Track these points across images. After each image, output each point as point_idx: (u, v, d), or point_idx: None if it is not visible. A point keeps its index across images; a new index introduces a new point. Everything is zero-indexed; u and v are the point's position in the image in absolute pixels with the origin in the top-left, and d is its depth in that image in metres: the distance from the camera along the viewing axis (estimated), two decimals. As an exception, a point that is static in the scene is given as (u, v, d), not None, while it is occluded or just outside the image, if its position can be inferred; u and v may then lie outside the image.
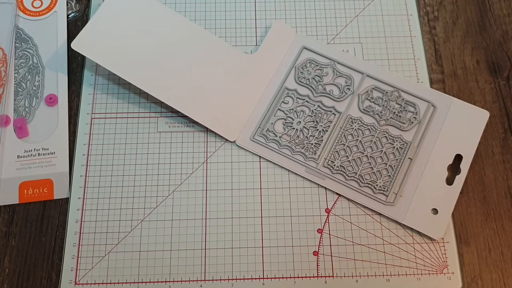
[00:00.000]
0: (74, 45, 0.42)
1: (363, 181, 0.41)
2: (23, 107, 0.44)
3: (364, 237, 0.40)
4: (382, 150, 0.42)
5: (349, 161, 0.42)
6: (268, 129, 0.43)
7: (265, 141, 0.43)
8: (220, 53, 0.45)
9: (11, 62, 0.45)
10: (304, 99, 0.44)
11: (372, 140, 0.42)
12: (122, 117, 0.44)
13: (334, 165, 0.42)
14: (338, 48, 0.46)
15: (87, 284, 0.39)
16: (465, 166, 0.41)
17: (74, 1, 0.48)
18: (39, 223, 0.40)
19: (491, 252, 0.40)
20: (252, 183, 0.42)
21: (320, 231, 0.40)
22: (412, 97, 0.44)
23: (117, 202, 0.41)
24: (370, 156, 0.42)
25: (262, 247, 0.40)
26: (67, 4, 0.48)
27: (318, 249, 0.40)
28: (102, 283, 0.39)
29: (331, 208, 0.41)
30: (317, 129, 0.43)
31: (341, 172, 0.41)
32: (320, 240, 0.40)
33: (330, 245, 0.40)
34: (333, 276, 0.39)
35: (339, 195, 0.41)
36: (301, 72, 0.45)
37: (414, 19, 0.48)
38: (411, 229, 0.40)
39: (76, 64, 0.46)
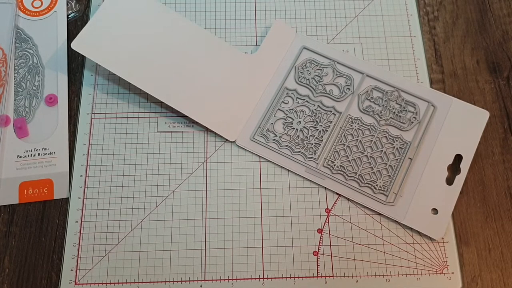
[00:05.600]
0: (74, 45, 0.42)
1: (363, 181, 0.41)
2: (23, 107, 0.44)
3: (364, 237, 0.40)
4: (382, 150, 0.42)
5: (349, 161, 0.42)
6: (268, 129, 0.43)
7: (265, 141, 0.43)
8: (220, 53, 0.45)
9: (11, 62, 0.45)
10: (304, 99, 0.44)
11: (372, 140, 0.42)
12: (122, 117, 0.44)
13: (334, 165, 0.42)
14: (338, 48, 0.46)
15: (87, 284, 0.39)
16: (465, 166, 0.41)
17: (74, 1, 0.48)
18: (39, 223, 0.40)
19: (491, 252, 0.40)
20: (252, 183, 0.42)
21: (320, 231, 0.40)
22: (412, 97, 0.44)
23: (117, 202, 0.41)
24: (370, 156, 0.42)
25: (262, 247, 0.40)
26: (67, 4, 0.48)
27: (318, 249, 0.40)
28: (102, 283, 0.39)
29: (331, 208, 0.41)
30: (317, 129, 0.43)
31: (341, 172, 0.41)
32: (320, 240, 0.40)
33: (330, 245, 0.40)
34: (333, 276, 0.39)
35: (339, 195, 0.41)
36: (301, 72, 0.45)
37: (414, 19, 0.48)
38: (411, 229, 0.40)
39: (76, 64, 0.46)
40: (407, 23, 0.48)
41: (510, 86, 0.46)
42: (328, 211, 0.41)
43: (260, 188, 0.42)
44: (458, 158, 0.42)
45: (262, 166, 0.42)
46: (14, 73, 0.45)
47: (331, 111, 0.43)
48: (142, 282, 0.39)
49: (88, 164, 0.42)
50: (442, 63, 0.47)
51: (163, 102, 0.42)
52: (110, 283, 0.39)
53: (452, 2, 0.49)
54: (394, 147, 0.42)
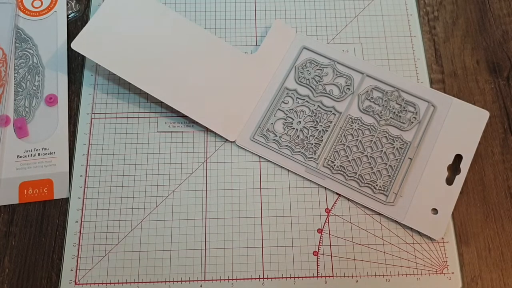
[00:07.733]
0: (74, 45, 0.42)
1: (363, 181, 0.41)
2: (23, 107, 0.44)
3: (364, 237, 0.40)
4: (382, 150, 0.42)
5: (349, 161, 0.42)
6: (268, 129, 0.43)
7: (265, 141, 0.43)
8: (220, 53, 0.45)
9: (11, 62, 0.45)
10: (304, 99, 0.44)
11: (372, 140, 0.42)
12: (122, 117, 0.44)
13: (334, 165, 0.42)
14: (338, 48, 0.46)
15: (87, 284, 0.39)
16: (465, 166, 0.41)
17: (74, 1, 0.48)
18: (39, 223, 0.40)
19: (491, 252, 0.40)
20: (252, 183, 0.42)
21: (320, 231, 0.40)
22: (412, 97, 0.44)
23: (117, 202, 0.41)
24: (370, 156, 0.42)
25: (262, 247, 0.40)
26: (67, 4, 0.48)
27: (318, 249, 0.40)
28: (102, 283, 0.39)
29: (331, 208, 0.41)
30: (317, 129, 0.43)
31: (341, 172, 0.41)
32: (320, 240, 0.40)
33: (330, 245, 0.40)
34: (333, 276, 0.39)
35: (339, 195, 0.41)
36: (301, 72, 0.45)
37: (414, 19, 0.48)
38: (411, 229, 0.40)
39: (76, 64, 0.46)
40: (407, 23, 0.48)
41: (510, 86, 0.46)
42: (328, 211, 0.41)
43: (260, 188, 0.42)
44: (458, 158, 0.42)
45: (262, 166, 0.42)
46: (14, 73, 0.45)
47: (331, 111, 0.43)
48: (142, 282, 0.39)
49: (88, 164, 0.42)
50: (442, 63, 0.47)
51: (163, 102, 0.42)
52: (110, 283, 0.39)
53: (452, 2, 0.49)
54: (394, 147, 0.42)
